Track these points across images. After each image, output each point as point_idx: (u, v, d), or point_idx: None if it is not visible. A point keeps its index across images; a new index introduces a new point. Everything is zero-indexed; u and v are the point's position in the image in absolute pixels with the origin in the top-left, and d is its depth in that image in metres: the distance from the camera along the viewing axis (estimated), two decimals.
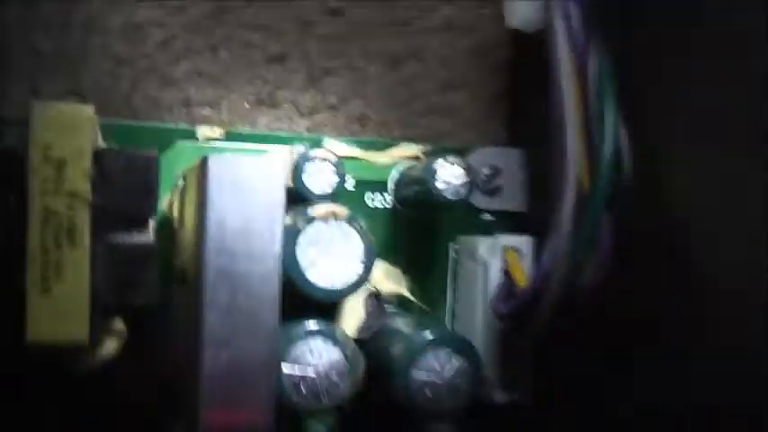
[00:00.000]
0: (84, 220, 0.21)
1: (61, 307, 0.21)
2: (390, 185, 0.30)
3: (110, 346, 0.24)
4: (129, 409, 0.26)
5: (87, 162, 0.21)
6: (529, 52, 0.29)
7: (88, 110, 0.21)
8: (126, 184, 0.22)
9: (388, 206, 0.30)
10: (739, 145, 0.25)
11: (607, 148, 0.27)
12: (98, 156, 0.22)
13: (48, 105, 0.21)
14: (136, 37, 0.30)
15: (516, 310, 0.28)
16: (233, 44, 0.31)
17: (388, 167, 0.30)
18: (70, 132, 0.21)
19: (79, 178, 0.21)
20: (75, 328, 0.21)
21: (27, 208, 0.21)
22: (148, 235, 0.22)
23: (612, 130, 0.27)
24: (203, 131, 0.29)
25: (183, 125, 0.29)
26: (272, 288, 0.22)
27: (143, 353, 0.26)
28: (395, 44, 0.32)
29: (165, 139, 0.29)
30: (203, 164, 0.22)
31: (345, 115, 0.32)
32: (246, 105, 0.31)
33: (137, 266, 0.22)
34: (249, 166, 0.22)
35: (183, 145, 0.29)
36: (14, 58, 0.29)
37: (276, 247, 0.22)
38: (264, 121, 0.31)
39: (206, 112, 0.30)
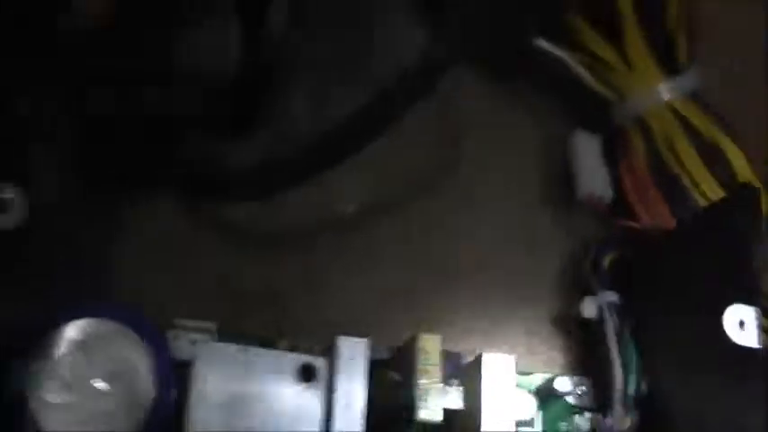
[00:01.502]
0: (436, 377, 0.53)
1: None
2: (533, 392, 0.62)
3: None
4: None
5: (439, 356, 0.54)
6: (588, 332, 0.64)
7: (439, 337, 0.54)
8: None
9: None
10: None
11: (632, 380, 0.60)
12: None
13: (418, 337, 0.54)
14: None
15: None
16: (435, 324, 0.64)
17: (532, 382, 0.62)
18: (433, 344, 0.54)
19: (442, 362, 0.54)
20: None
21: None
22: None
23: (636, 370, 0.59)
24: None
25: None
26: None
27: None
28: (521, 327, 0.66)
29: None
30: (479, 358, 0.54)
31: None
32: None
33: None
34: (504, 361, 0.54)
35: None
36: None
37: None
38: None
39: None
